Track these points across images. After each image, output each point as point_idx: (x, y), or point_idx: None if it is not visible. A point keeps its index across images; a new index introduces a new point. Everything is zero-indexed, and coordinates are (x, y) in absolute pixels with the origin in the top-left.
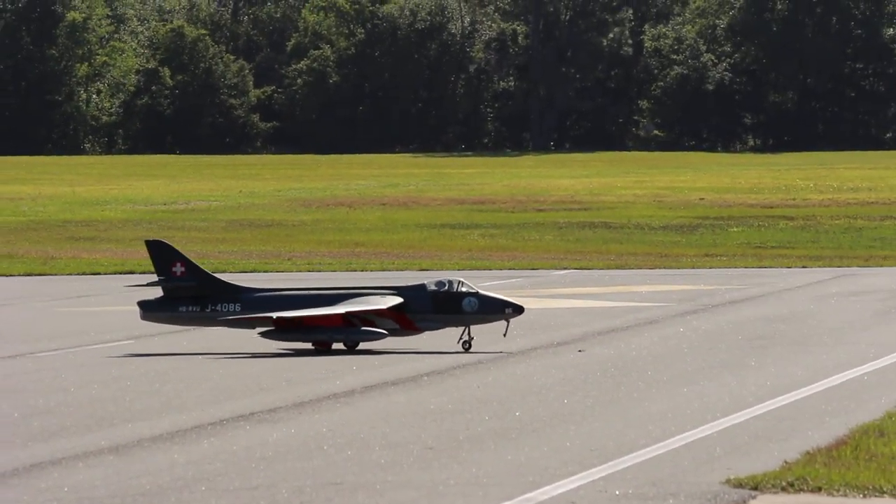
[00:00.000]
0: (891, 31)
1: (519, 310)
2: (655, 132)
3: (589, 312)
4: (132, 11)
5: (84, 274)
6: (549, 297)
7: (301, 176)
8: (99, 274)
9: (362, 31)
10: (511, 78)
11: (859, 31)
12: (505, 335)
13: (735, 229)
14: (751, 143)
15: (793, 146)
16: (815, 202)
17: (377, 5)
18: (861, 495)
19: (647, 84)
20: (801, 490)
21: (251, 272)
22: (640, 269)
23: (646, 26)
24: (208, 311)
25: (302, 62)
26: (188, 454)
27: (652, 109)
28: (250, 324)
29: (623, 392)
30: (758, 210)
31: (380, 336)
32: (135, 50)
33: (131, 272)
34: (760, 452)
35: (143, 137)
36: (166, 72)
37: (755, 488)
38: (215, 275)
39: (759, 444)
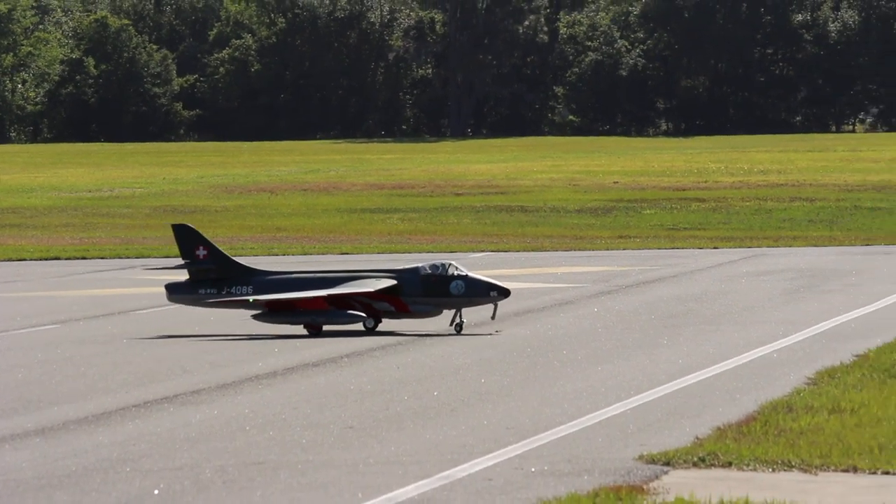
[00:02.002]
0: (800, 16)
1: (504, 292)
2: (570, 117)
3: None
4: (56, 2)
5: (10, 260)
6: None
7: (223, 163)
8: (25, 260)
9: (283, 20)
10: (429, 65)
11: (769, 17)
12: (493, 318)
13: (648, 211)
14: (663, 127)
15: (704, 130)
16: (726, 185)
17: None
18: (770, 469)
19: (562, 70)
20: (712, 465)
21: (174, 257)
22: (556, 251)
23: (561, 14)
24: (224, 293)
25: (224, 51)
26: (113, 436)
27: (567, 95)
28: (234, 306)
29: (539, 371)
30: (670, 193)
31: (358, 319)
32: (59, 40)
33: (57, 258)
34: (673, 429)
35: (68, 126)
36: (90, 61)
37: (667, 464)
38: (237, 259)
39: (672, 421)
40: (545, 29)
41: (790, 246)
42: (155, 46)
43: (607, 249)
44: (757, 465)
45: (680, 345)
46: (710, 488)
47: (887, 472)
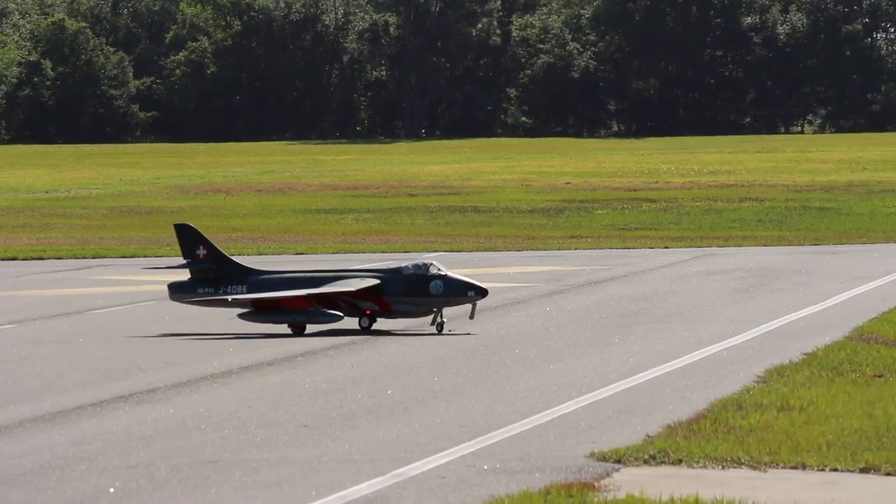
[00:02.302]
0: (749, 19)
1: (481, 292)
2: (523, 119)
3: None
4: (14, 5)
5: None
6: None
7: (180, 164)
8: None
9: (239, 22)
10: (383, 68)
11: (718, 20)
12: (472, 318)
13: (600, 212)
14: (615, 128)
15: (655, 132)
16: (676, 185)
17: None
18: (720, 467)
19: (514, 72)
20: (662, 462)
21: (131, 257)
22: (509, 251)
23: (513, 16)
24: (220, 292)
25: (180, 53)
26: (69, 434)
27: (520, 97)
28: (216, 305)
29: (492, 370)
30: (622, 193)
31: (337, 318)
32: (17, 43)
33: (14, 258)
34: (624, 426)
35: (26, 128)
36: (48, 64)
37: (618, 461)
38: (235, 258)
39: (623, 419)
40: (498, 32)
41: (740, 246)
42: (112, 49)
43: (559, 249)
44: (707, 463)
45: (631, 343)
46: (660, 485)
47: (835, 469)
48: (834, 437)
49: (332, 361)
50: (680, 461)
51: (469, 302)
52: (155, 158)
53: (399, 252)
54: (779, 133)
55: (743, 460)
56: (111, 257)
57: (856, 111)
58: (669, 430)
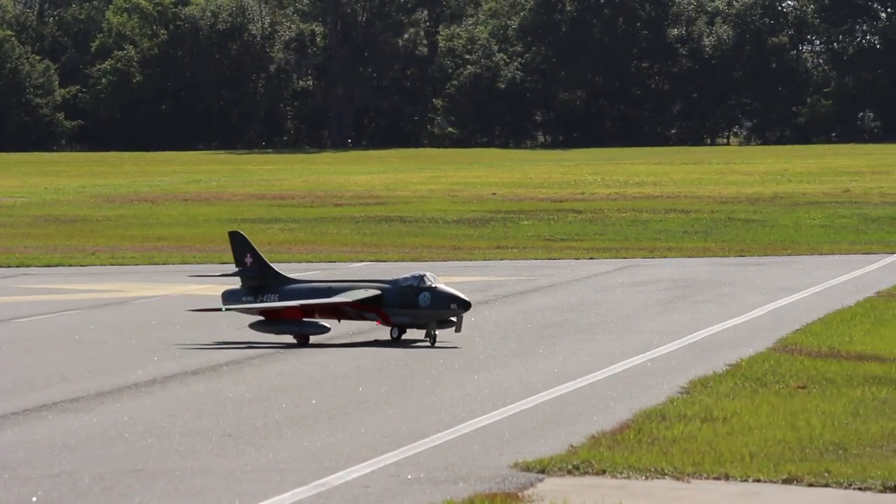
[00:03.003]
0: (675, 31)
1: (464, 304)
2: (449, 129)
3: None
4: None
5: None
6: None
7: (105, 173)
8: None
9: (165, 31)
10: (310, 77)
11: (645, 32)
12: (458, 331)
13: (526, 222)
14: (541, 139)
15: (582, 143)
16: (602, 196)
17: (180, 7)
18: (644, 477)
19: (441, 83)
20: (586, 473)
21: (56, 266)
22: (434, 261)
23: (440, 27)
24: (257, 300)
25: (106, 62)
26: None
27: (446, 107)
28: (248, 313)
29: (416, 380)
30: (547, 204)
31: (323, 330)
32: None
33: None
34: (548, 437)
35: None
36: None
37: (542, 471)
38: (274, 266)
39: (547, 429)
40: (425, 42)
41: (665, 257)
42: (37, 57)
43: (485, 259)
44: (630, 473)
45: (556, 354)
46: (584, 495)
47: (758, 480)
48: (757, 447)
49: (256, 371)
50: (604, 471)
51: (453, 314)
52: (80, 167)
53: (325, 262)
54: (705, 145)
55: (666, 471)
56: (36, 266)
57: (781, 123)
58: (593, 440)
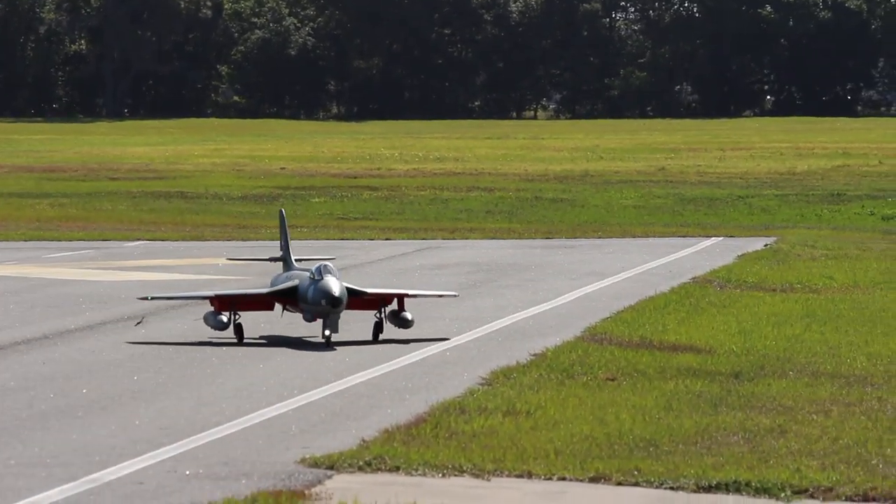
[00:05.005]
0: None
1: (332, 301)
2: (235, 98)
3: (160, 285)
4: None
5: None
6: (119, 270)
7: None
8: None
9: None
10: (83, 40)
11: None
12: (325, 332)
13: (317, 200)
14: (335, 110)
15: (378, 114)
16: (400, 172)
17: None
18: (440, 474)
19: (226, 48)
20: (378, 469)
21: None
22: (218, 240)
23: None
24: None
25: None
26: None
27: (232, 74)
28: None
29: (196, 369)
30: (341, 180)
31: (221, 327)
32: None
33: None
34: (338, 431)
35: None
36: None
37: (331, 468)
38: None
39: (337, 422)
40: (209, 4)
41: (467, 238)
42: None
43: (272, 239)
44: (426, 470)
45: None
46: (375, 494)
47: (563, 478)
48: (562, 443)
49: (22, 357)
50: (397, 468)
51: (325, 312)
52: None
53: (99, 240)
54: (510, 118)
55: (465, 468)
56: None
57: (592, 96)
58: (387, 434)
